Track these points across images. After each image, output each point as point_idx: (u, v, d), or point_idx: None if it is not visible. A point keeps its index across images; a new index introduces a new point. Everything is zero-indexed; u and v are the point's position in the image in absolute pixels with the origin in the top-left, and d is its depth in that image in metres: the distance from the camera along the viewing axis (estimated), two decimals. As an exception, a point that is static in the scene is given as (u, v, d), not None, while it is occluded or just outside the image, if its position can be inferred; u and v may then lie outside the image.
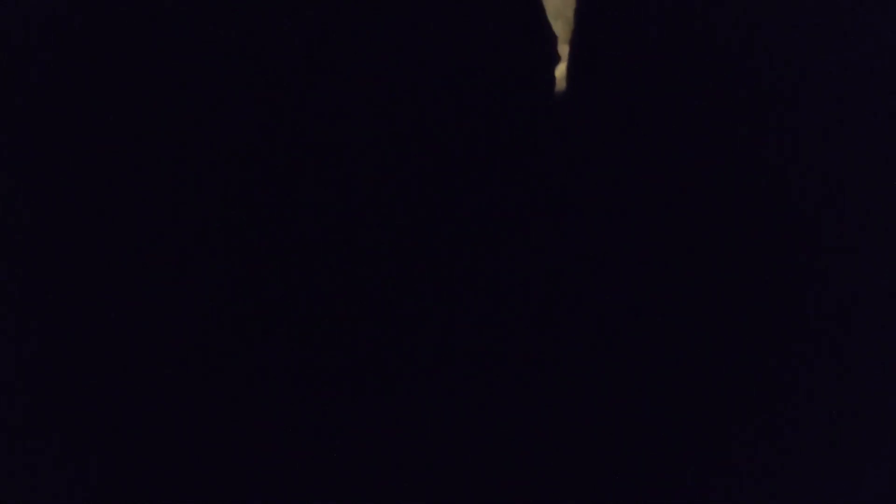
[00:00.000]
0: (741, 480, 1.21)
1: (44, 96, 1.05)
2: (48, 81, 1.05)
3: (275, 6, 1.16)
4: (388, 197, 1.74)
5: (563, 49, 1.44)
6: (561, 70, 1.45)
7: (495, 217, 1.56)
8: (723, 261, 1.19)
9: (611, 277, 1.29)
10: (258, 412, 1.24)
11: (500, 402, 1.48)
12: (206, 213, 1.17)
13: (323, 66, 1.29)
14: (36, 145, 1.06)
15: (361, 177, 1.81)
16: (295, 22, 1.17)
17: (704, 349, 1.22)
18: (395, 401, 1.46)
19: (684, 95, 1.17)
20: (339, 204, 1.52)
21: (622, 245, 1.26)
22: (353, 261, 1.68)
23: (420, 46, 1.40)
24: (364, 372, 1.59)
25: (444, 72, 1.45)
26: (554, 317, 1.39)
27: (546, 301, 1.40)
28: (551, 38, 1.42)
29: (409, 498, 1.36)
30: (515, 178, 1.51)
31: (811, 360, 1.14)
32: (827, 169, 1.09)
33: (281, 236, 1.25)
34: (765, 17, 1.10)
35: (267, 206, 1.24)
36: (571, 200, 1.34)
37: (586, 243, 1.32)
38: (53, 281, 1.10)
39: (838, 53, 1.06)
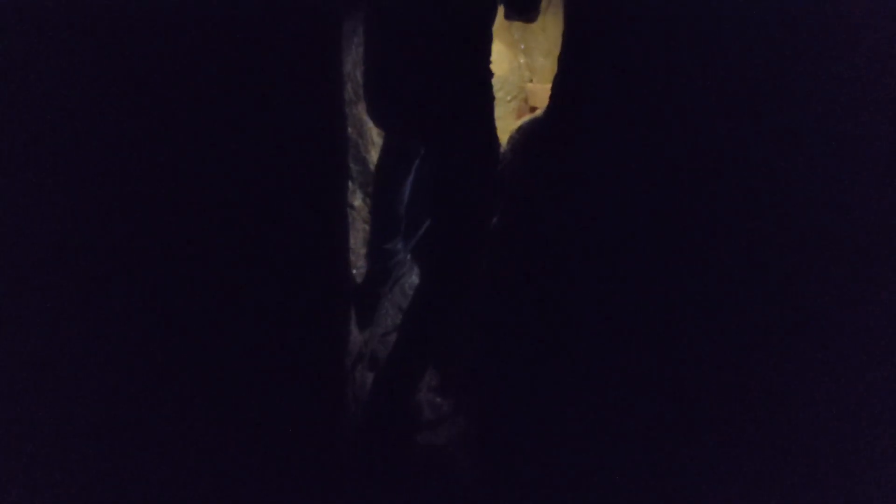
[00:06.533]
0: (741, 480, 1.21)
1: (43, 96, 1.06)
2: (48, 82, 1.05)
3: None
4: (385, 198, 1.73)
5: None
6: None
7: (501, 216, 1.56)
8: (723, 261, 1.19)
9: (612, 277, 1.29)
10: (257, 412, 1.24)
11: (498, 401, 1.48)
12: (204, 214, 1.18)
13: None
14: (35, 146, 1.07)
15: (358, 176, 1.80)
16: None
17: (704, 349, 1.22)
18: (393, 400, 1.47)
19: (683, 96, 1.17)
20: (335, 206, 1.52)
21: (622, 245, 1.26)
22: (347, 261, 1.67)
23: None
24: (362, 371, 1.59)
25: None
26: (553, 317, 1.39)
27: (546, 301, 1.40)
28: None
29: (409, 498, 1.37)
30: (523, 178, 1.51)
31: (811, 360, 1.14)
32: (827, 169, 1.09)
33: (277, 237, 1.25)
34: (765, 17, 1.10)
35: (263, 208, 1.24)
36: (572, 201, 1.34)
37: (588, 243, 1.32)
38: (55, 282, 1.11)
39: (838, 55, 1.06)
